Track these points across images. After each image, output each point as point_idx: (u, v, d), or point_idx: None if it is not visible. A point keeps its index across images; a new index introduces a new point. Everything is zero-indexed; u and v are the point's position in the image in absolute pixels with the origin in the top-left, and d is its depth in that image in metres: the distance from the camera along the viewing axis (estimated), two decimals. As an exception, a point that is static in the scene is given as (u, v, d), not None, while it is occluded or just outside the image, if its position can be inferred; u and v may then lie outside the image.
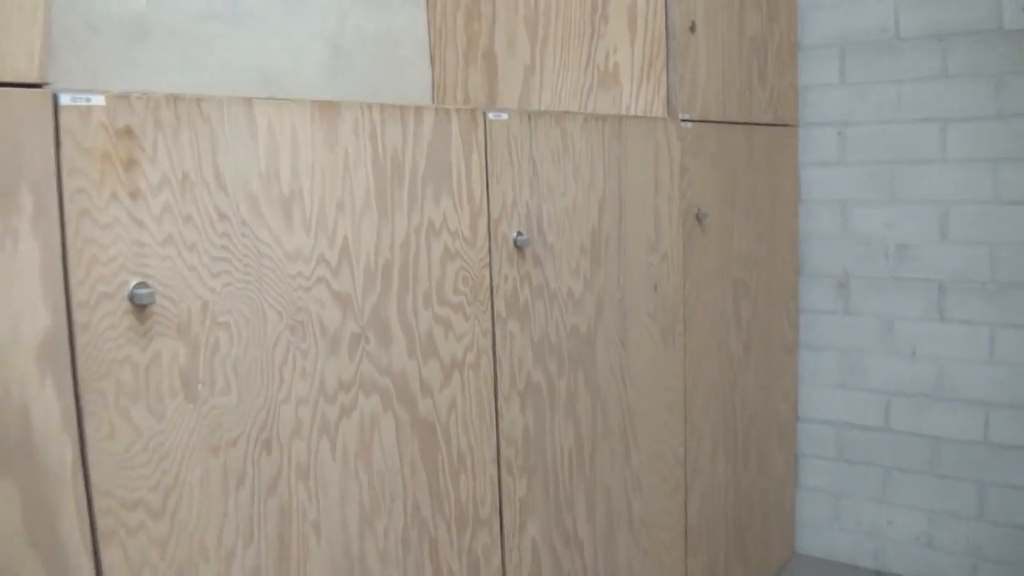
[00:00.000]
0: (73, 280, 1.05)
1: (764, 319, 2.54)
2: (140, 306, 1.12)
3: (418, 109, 1.47)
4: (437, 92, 2.52)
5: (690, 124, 2.17)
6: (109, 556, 1.10)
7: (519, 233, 1.66)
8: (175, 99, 1.14)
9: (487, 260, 1.61)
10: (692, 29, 2.16)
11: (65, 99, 1.04)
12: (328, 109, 1.34)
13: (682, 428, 2.20)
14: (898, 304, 2.65)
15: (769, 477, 2.67)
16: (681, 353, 2.17)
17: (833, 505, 2.81)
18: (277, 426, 1.30)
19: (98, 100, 1.07)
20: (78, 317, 1.06)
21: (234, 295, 1.24)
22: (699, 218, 2.20)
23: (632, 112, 2.14)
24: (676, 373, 2.16)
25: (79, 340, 1.06)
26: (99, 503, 1.09)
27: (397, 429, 1.47)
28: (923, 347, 2.61)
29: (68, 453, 1.05)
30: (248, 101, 1.24)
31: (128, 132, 1.09)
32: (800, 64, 2.69)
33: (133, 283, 1.11)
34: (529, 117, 1.68)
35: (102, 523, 1.09)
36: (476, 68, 2.43)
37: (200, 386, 1.20)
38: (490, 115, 1.60)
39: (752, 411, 2.52)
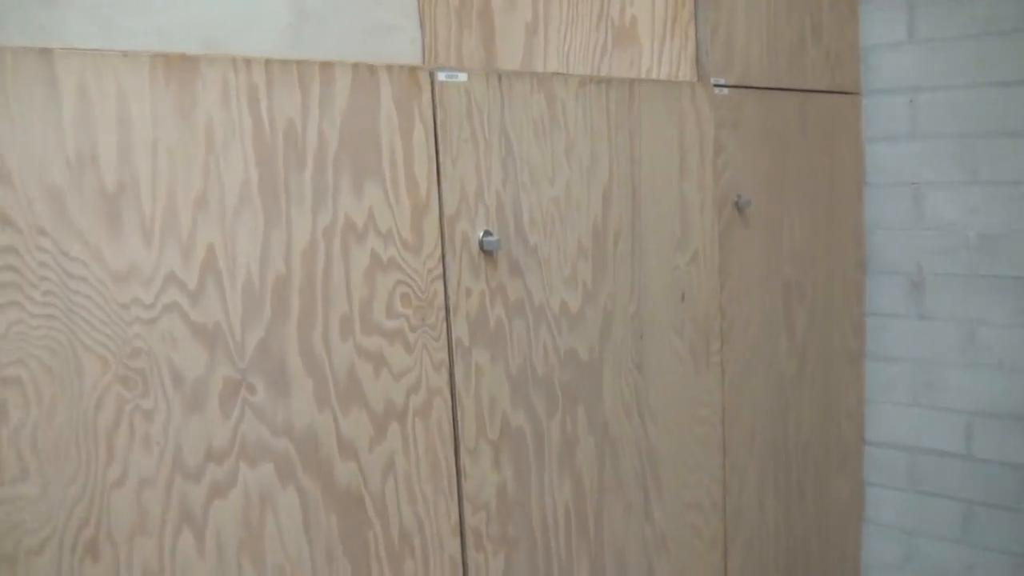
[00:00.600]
0: None
1: (823, 327, 2.08)
2: None
3: (326, 66, 1.05)
4: (428, 61, 2.09)
5: (726, 90, 1.72)
6: None
7: (486, 233, 1.23)
8: None
9: (439, 270, 1.19)
10: (728, -29, 1.70)
11: None
12: (180, 65, 0.92)
13: (720, 467, 1.75)
14: (982, 306, 2.15)
15: (829, 512, 2.20)
16: (718, 376, 1.73)
17: (904, 544, 2.33)
18: (108, 520, 0.89)
19: None
20: None
21: (26, 337, 0.83)
22: (739, 207, 1.75)
23: (654, 77, 1.69)
24: (712, 401, 1.71)
25: None
26: None
27: (304, 507, 1.05)
28: (1012, 358, 2.12)
29: None
30: (46, 53, 0.83)
31: None
32: (862, 18, 2.20)
33: None
34: (499, 79, 1.25)
35: None
36: (471, 31, 2.00)
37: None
38: (441, 76, 1.17)
39: (809, 437, 2.06)
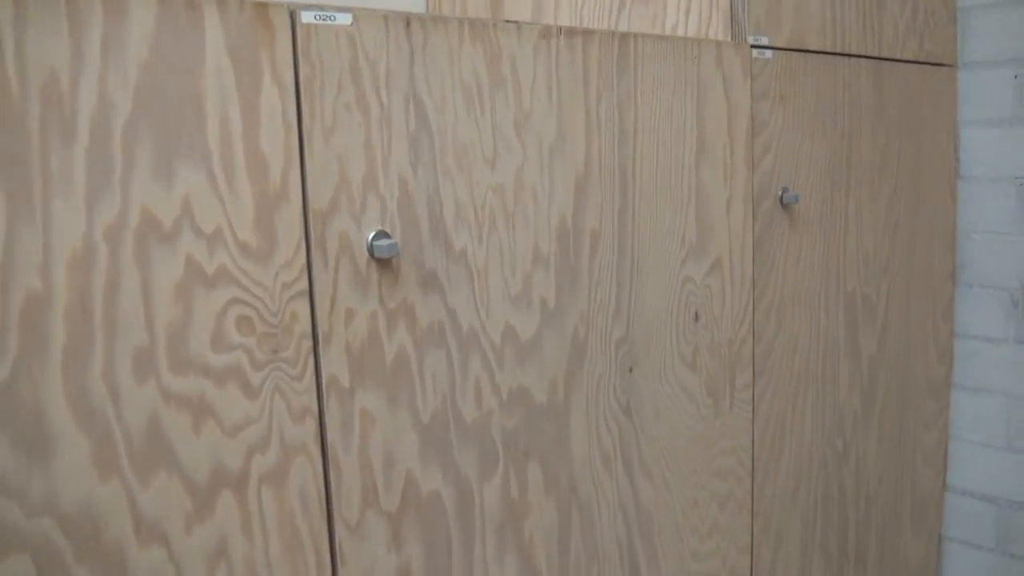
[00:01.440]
0: None
1: (898, 351, 1.66)
2: None
3: (104, -9, 0.72)
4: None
5: (768, 53, 1.32)
6: None
7: (380, 235, 0.88)
8: None
9: (302, 285, 0.85)
10: (776, -100, 1.30)
11: None
12: None
13: (746, 531, 1.37)
14: (1112, 332, 1.69)
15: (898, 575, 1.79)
16: (746, 416, 1.34)
17: (998, 612, 1.89)
18: None
19: None
20: None
21: None
22: (783, 202, 1.35)
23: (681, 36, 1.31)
24: (737, 448, 1.33)
25: None
26: None
27: (65, 618, 0.74)
28: None
29: None
30: None
31: None
32: (967, -29, 1.75)
33: None
34: (408, 24, 0.90)
35: None
36: (477, -15, 1.66)
37: None
38: (307, 16, 0.83)
39: (874, 487, 1.65)
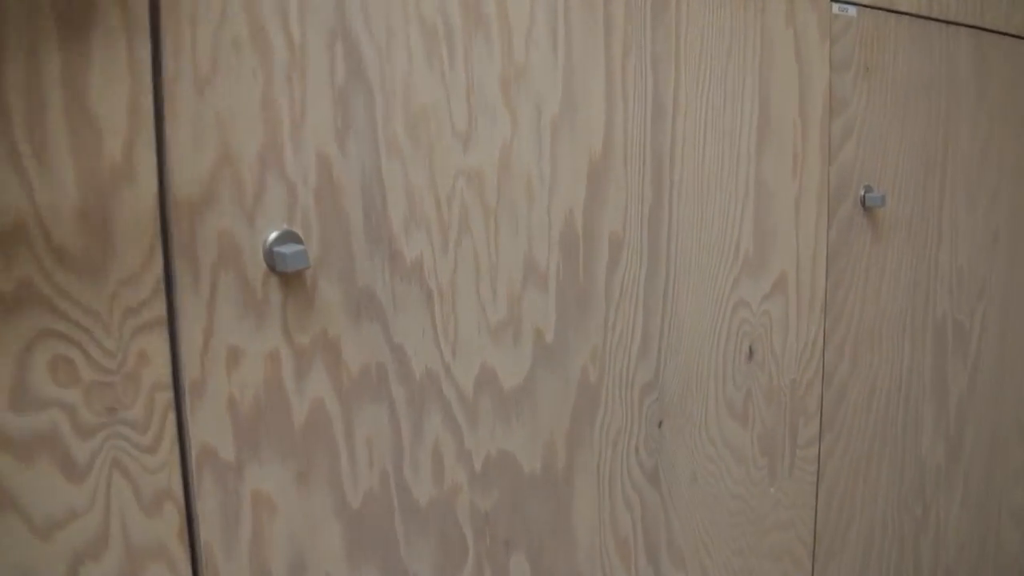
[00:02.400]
0: None
1: (990, 389, 1.34)
2: None
3: None
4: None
5: (851, 9, 1.00)
6: None
7: (285, 237, 0.58)
8: None
9: (156, 311, 0.55)
10: None
11: None
12: None
13: (802, 622, 1.06)
14: None
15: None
16: (809, 481, 1.03)
17: None
18: None
19: None
20: None
21: None
22: (866, 204, 1.04)
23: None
24: (796, 521, 1.02)
25: None
26: None
27: None
28: None
29: None
30: None
31: None
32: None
33: None
34: (338, -79, 0.60)
35: None
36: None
37: None
38: None
39: (954, 556, 1.32)
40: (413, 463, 0.67)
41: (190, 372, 0.56)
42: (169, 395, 0.55)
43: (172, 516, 0.56)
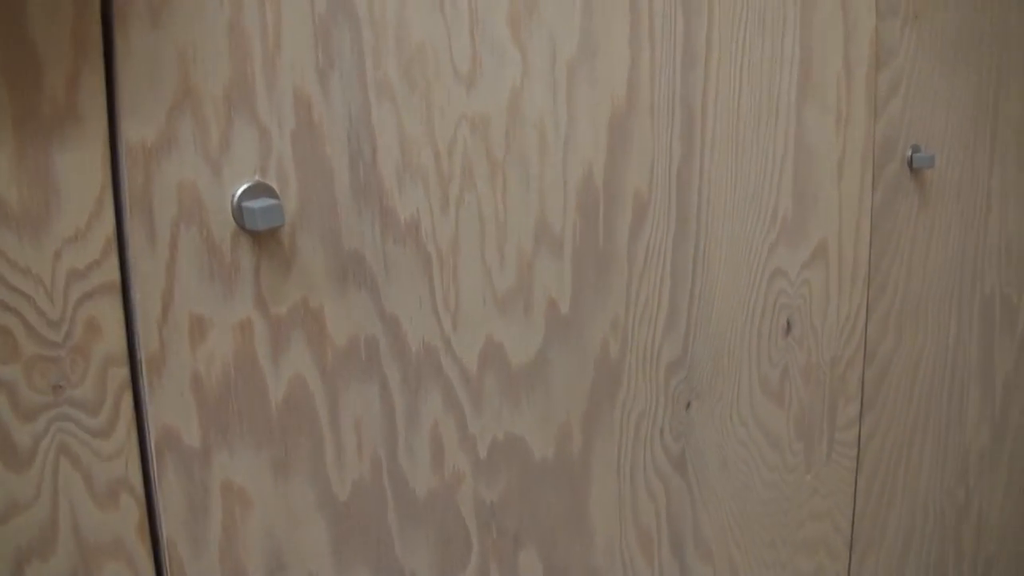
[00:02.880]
0: None
1: (1042, 367, 1.24)
2: None
3: None
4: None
5: (904, -52, 0.91)
6: None
7: (257, 190, 0.51)
8: None
9: (108, 274, 0.48)
10: None
11: None
12: None
13: (838, 617, 0.98)
14: None
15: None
16: (849, 468, 0.94)
17: None
18: None
19: None
20: None
21: None
22: (913, 165, 0.94)
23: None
24: (833, 511, 0.94)
25: None
26: None
27: None
28: None
29: None
30: None
31: None
32: None
33: None
34: None
35: None
36: None
37: None
38: None
39: (996, 546, 1.24)
40: (408, 449, 0.59)
41: (148, 345, 0.48)
42: (124, 371, 0.48)
43: (130, 509, 0.49)
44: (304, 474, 0.54)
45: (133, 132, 0.46)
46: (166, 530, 0.50)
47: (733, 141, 0.75)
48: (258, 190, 0.50)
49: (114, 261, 0.47)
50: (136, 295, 0.48)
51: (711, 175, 0.74)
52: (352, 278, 0.54)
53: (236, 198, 0.49)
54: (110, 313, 0.47)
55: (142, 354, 0.48)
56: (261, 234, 0.50)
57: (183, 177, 0.48)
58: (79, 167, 0.45)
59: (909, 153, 0.94)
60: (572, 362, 0.67)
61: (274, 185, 0.51)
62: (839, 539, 0.96)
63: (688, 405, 0.76)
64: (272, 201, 0.49)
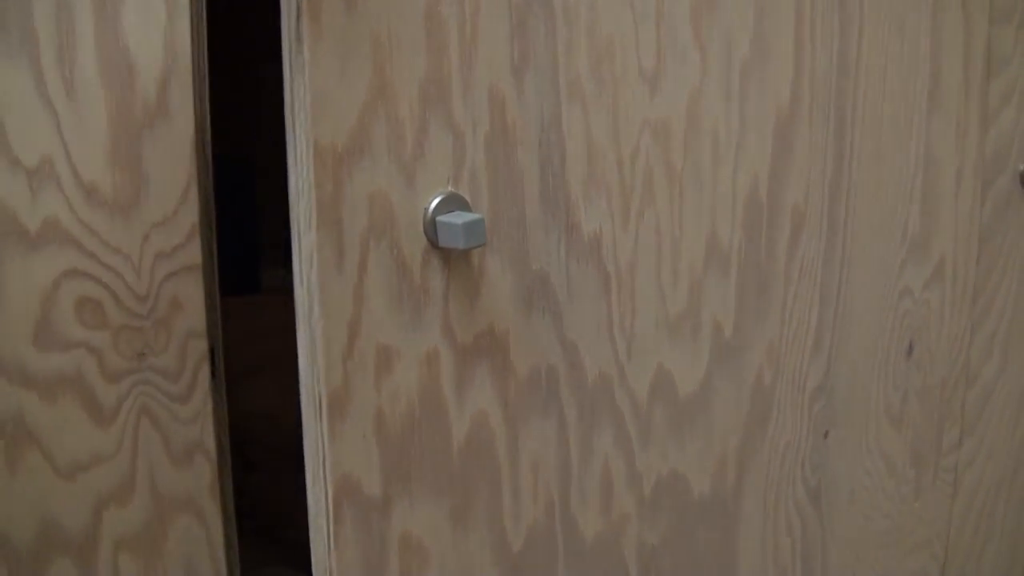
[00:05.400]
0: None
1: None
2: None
3: None
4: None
5: (1024, -47, 0.85)
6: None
7: (451, 202, 0.43)
8: None
9: (192, 255, 0.40)
10: None
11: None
12: None
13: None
14: None
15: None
16: (947, 494, 0.89)
17: None
18: None
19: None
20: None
21: None
22: None
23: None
24: (932, 541, 0.88)
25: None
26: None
27: None
28: None
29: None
30: None
31: None
32: None
33: None
34: None
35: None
36: None
37: None
38: None
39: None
40: (580, 490, 0.52)
41: (330, 381, 0.41)
42: (203, 344, 0.41)
43: (203, 469, 0.42)
44: (482, 523, 0.47)
45: (323, 133, 0.39)
46: (335, 590, 0.43)
47: (876, 153, 0.69)
48: (451, 202, 0.42)
49: (197, 245, 0.40)
50: (319, 322, 0.40)
51: (857, 189, 0.68)
52: (536, 301, 0.47)
53: (430, 211, 0.42)
54: (191, 292, 0.41)
55: (322, 389, 0.41)
56: (451, 253, 0.43)
57: (376, 187, 0.41)
58: (167, 153, 0.38)
59: (1021, 168, 0.88)
60: (731, 389, 0.60)
61: (466, 196, 0.43)
62: (935, 568, 0.90)
63: (826, 434, 0.70)
64: (473, 216, 0.41)
